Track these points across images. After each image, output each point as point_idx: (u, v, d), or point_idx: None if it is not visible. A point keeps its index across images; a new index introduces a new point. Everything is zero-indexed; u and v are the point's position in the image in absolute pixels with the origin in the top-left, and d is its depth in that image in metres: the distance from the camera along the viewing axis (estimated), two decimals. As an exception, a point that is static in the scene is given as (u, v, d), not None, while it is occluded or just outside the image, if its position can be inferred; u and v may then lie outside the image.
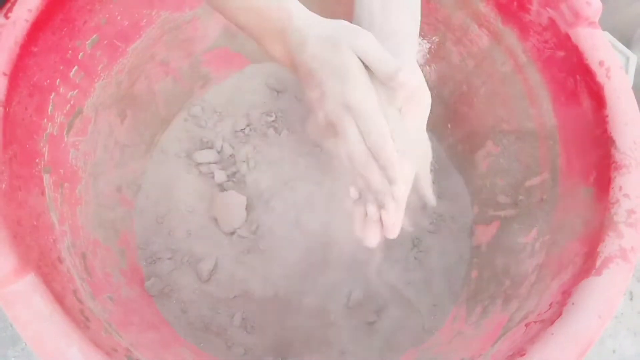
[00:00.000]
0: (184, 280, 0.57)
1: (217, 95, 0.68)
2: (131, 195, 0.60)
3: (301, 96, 0.66)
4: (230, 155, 0.64)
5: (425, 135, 0.39)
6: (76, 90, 0.48)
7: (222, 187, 0.62)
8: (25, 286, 0.32)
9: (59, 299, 0.33)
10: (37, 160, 0.42)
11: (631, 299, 0.73)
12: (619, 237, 0.36)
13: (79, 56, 0.47)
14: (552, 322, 0.34)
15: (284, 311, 0.57)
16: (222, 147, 0.64)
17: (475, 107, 0.61)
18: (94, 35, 0.48)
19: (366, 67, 0.34)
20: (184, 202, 0.61)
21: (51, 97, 0.45)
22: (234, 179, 0.63)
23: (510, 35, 0.51)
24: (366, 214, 0.37)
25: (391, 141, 0.34)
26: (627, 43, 0.71)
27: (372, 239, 0.38)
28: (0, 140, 0.37)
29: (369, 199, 0.37)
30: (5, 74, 0.38)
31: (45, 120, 0.44)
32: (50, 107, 0.45)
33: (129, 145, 0.59)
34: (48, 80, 0.44)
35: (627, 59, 0.63)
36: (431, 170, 0.42)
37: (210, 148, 0.64)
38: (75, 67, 0.47)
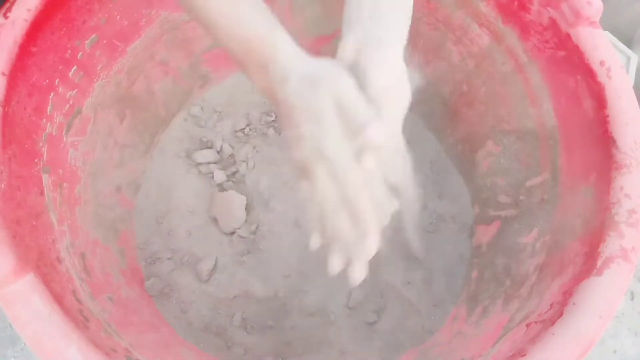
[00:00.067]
0: (184, 281, 0.57)
1: (217, 95, 0.68)
2: (131, 195, 0.60)
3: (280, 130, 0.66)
4: (230, 155, 0.64)
5: (409, 183, 0.37)
6: (75, 90, 0.48)
7: (222, 187, 0.62)
8: (24, 286, 0.32)
9: (58, 299, 0.33)
10: (36, 160, 0.42)
11: (632, 299, 0.72)
12: (619, 237, 0.36)
13: (78, 56, 0.47)
14: (553, 322, 0.34)
15: (284, 311, 0.57)
16: (221, 147, 0.64)
17: (475, 107, 0.61)
18: (93, 35, 0.48)
19: None
20: (183, 202, 0.61)
21: (50, 96, 0.45)
22: (233, 179, 0.63)
23: (511, 35, 0.51)
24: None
25: (364, 194, 0.33)
26: (628, 43, 0.70)
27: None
28: (-1, 140, 0.36)
29: (333, 249, 0.36)
30: (4, 74, 0.38)
31: (44, 120, 0.44)
32: (49, 107, 0.44)
33: (129, 145, 0.59)
34: (47, 80, 0.44)
35: (628, 58, 0.63)
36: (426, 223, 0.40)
37: (210, 148, 0.64)
38: (75, 67, 0.47)
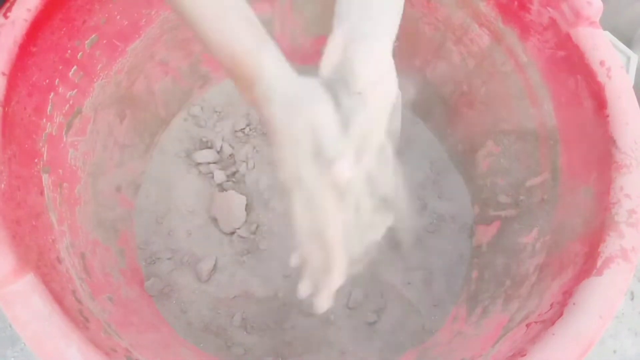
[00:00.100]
0: (184, 281, 0.57)
1: (217, 95, 0.68)
2: (131, 195, 0.60)
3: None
4: (230, 155, 0.64)
5: (401, 194, 0.38)
6: (75, 90, 0.48)
7: (221, 187, 0.62)
8: (24, 286, 0.32)
9: (58, 299, 0.33)
10: (36, 160, 0.42)
11: (632, 299, 0.72)
12: (620, 237, 0.36)
13: (78, 56, 0.47)
14: (553, 323, 0.34)
15: (284, 311, 0.57)
16: (221, 147, 0.64)
17: (475, 107, 0.61)
18: (93, 35, 0.48)
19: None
20: (183, 202, 0.61)
21: (50, 96, 0.45)
22: (233, 179, 0.63)
23: (511, 35, 0.51)
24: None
25: (335, 228, 0.34)
26: (628, 43, 0.70)
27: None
28: (-1, 140, 0.36)
29: (304, 274, 0.37)
30: (4, 74, 0.38)
31: (44, 120, 0.44)
32: (49, 107, 0.44)
33: (129, 145, 0.59)
34: (47, 80, 0.44)
35: (628, 58, 0.63)
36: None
37: (210, 148, 0.64)
38: (75, 67, 0.47)
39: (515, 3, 0.49)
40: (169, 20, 0.56)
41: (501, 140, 0.58)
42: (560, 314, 0.34)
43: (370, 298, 0.57)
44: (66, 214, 0.45)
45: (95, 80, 0.51)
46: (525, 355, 0.33)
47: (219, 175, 0.62)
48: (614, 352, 0.69)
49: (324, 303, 0.36)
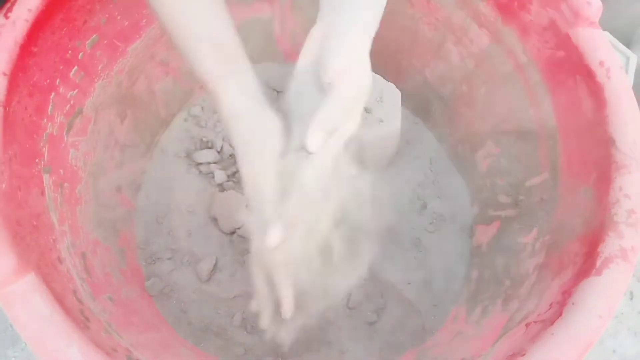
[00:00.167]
0: (184, 280, 0.57)
1: (217, 95, 0.68)
2: (131, 195, 0.60)
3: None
4: (230, 155, 0.64)
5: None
6: (76, 90, 0.48)
7: (222, 187, 0.62)
8: (25, 286, 0.32)
9: (59, 299, 0.33)
10: (36, 160, 0.42)
11: (631, 298, 0.73)
12: (619, 237, 0.36)
13: (79, 56, 0.47)
14: (552, 322, 0.34)
15: (284, 311, 0.57)
16: (222, 147, 0.64)
17: (475, 107, 0.61)
18: (94, 35, 0.48)
19: None
20: (184, 202, 0.61)
21: (51, 97, 0.45)
22: (234, 179, 0.63)
23: (511, 35, 0.51)
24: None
25: (260, 283, 0.38)
26: (628, 43, 0.71)
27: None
28: (0, 140, 0.36)
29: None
30: (5, 74, 0.38)
31: (45, 120, 0.44)
32: (50, 107, 0.44)
33: (129, 145, 0.59)
34: (48, 80, 0.44)
35: (628, 59, 0.63)
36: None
37: (210, 148, 0.64)
38: (75, 67, 0.47)
39: (515, 3, 0.49)
40: (170, 20, 0.56)
41: (501, 141, 0.58)
42: (559, 314, 0.34)
43: (370, 298, 0.57)
44: (67, 214, 0.45)
45: (96, 80, 0.51)
46: (524, 354, 0.33)
47: (220, 175, 0.62)
48: (614, 351, 0.69)
49: (264, 324, 0.40)
